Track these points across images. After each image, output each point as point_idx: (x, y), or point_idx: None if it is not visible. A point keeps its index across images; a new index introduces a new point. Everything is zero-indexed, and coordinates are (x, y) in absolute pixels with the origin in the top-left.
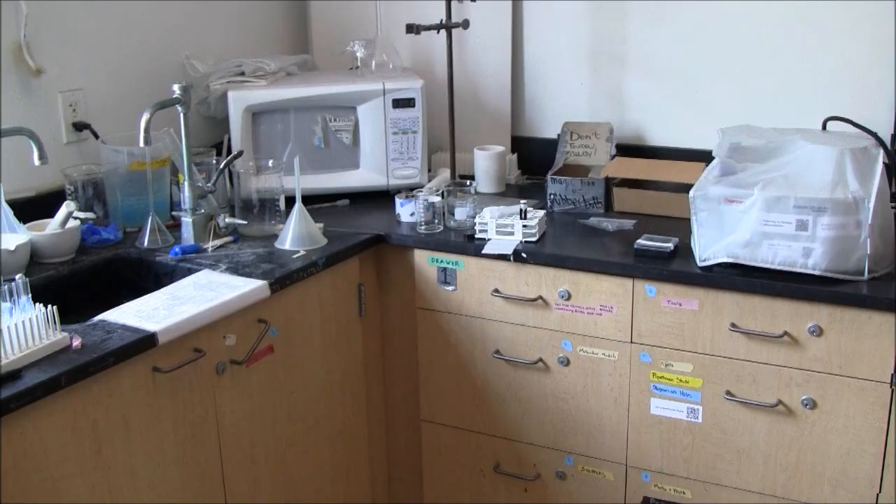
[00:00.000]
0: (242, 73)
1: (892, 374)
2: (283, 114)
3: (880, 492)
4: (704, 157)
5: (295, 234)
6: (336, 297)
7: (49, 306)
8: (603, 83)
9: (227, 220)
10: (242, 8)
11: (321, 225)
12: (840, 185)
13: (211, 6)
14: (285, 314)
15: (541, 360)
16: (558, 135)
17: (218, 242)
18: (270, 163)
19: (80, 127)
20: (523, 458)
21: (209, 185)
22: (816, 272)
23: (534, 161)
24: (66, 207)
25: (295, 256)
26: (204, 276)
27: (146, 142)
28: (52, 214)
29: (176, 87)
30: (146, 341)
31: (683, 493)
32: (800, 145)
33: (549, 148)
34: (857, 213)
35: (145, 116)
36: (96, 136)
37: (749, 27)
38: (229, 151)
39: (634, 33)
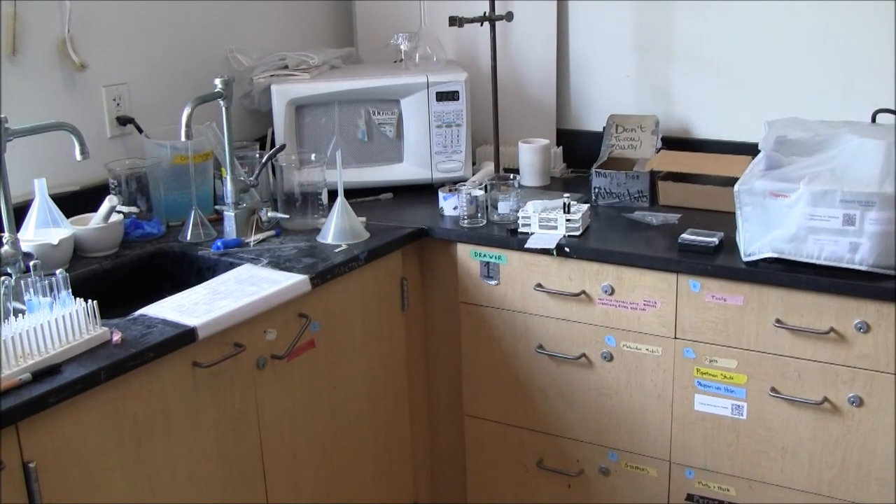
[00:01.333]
0: (286, 67)
1: None
2: (327, 107)
3: None
4: (751, 150)
5: (337, 228)
6: (378, 291)
7: (89, 301)
8: (648, 76)
9: (270, 214)
10: (287, 2)
11: (363, 219)
12: (888, 179)
13: (255, 1)
14: (326, 309)
15: (584, 355)
16: (603, 128)
17: (260, 236)
18: (313, 156)
19: (123, 121)
20: (566, 453)
21: (252, 178)
22: (863, 268)
23: (579, 154)
24: (110, 202)
25: (337, 251)
26: (245, 271)
27: (188, 136)
28: (95, 209)
29: (217, 81)
30: (186, 336)
31: (727, 490)
32: (847, 138)
33: (594, 141)
34: None
35: (186, 111)
36: (140, 131)
37: (796, 19)
38: (273, 145)
39: (680, 25)
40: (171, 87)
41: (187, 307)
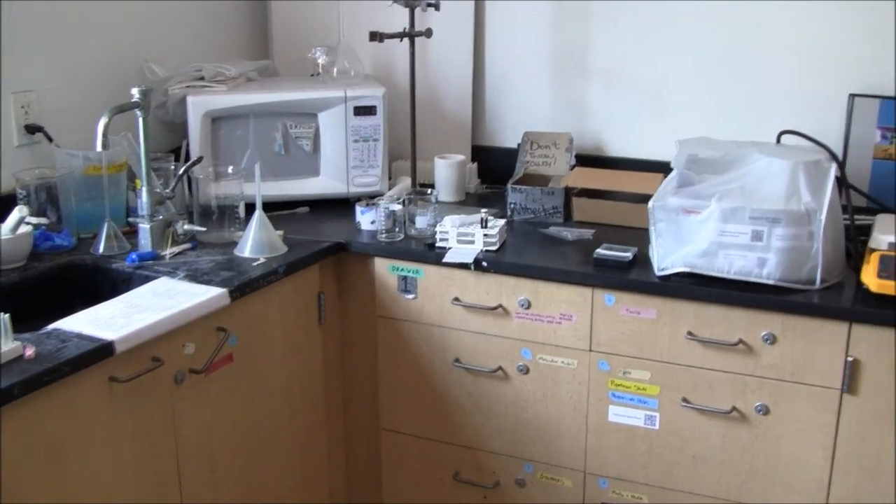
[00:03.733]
0: (202, 78)
1: (842, 381)
2: (243, 119)
3: (829, 495)
4: (663, 168)
5: (255, 242)
6: (296, 305)
7: (1, 314)
8: (564, 93)
9: (186, 226)
10: (204, 13)
11: (281, 232)
12: (794, 197)
13: (171, 10)
14: (245, 322)
15: (501, 368)
16: (518, 144)
17: (176, 249)
18: (230, 169)
19: (32, 129)
20: (483, 465)
21: (167, 191)
22: (770, 281)
23: (494, 170)
24: (18, 212)
25: (255, 264)
26: (162, 284)
27: (104, 146)
28: (2, 219)
29: (135, 91)
30: (103, 350)
31: (641, 498)
32: (755, 158)
33: (509, 157)
34: (810, 225)
35: (103, 120)
36: (50, 140)
37: (709, 41)
38: (188, 157)
39: (596, 44)
40: (83, 97)
41: (104, 321)
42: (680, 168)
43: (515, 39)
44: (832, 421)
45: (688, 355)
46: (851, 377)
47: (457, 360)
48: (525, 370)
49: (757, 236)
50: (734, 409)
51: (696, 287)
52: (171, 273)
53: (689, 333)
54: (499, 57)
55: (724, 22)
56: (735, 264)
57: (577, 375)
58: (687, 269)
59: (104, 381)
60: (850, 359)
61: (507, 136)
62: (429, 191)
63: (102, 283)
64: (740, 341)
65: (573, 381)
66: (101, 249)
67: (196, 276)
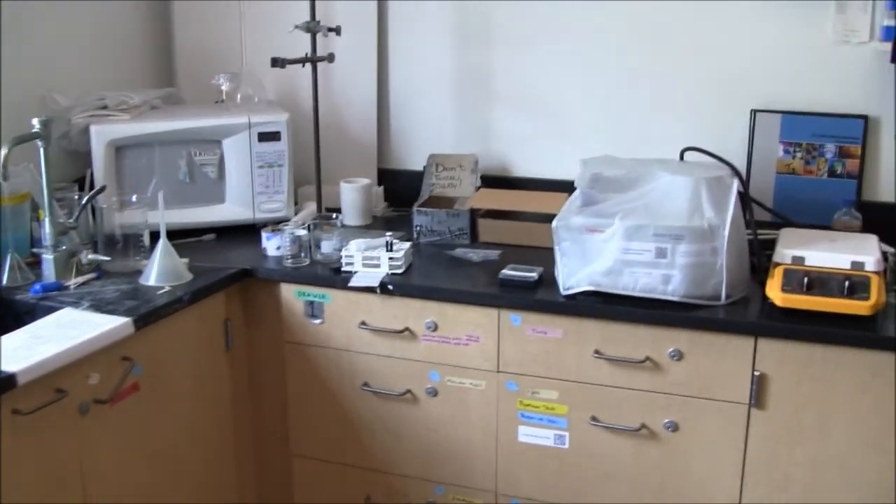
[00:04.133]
0: (105, 107)
1: (750, 395)
2: (148, 148)
3: None
4: (567, 187)
5: (160, 270)
6: (202, 332)
7: None
8: (468, 115)
9: (90, 256)
10: (106, 42)
11: (186, 260)
12: (696, 214)
13: (74, 39)
14: (151, 351)
15: (409, 391)
16: (424, 167)
17: (81, 279)
18: (134, 198)
19: None
20: (395, 489)
21: (71, 221)
22: (675, 298)
23: (400, 193)
24: None
25: (160, 292)
26: (66, 315)
27: (4, 177)
28: None
29: (36, 122)
30: (5, 383)
31: None
32: (658, 175)
33: (415, 180)
34: (714, 241)
35: (3, 151)
36: None
37: (611, 61)
38: (92, 186)
39: (499, 68)
40: None
41: (6, 353)
42: (583, 187)
43: (419, 63)
44: (741, 435)
45: (595, 374)
46: (759, 391)
47: (365, 384)
48: (434, 392)
49: (661, 253)
50: (643, 426)
51: (601, 305)
52: (76, 303)
53: (596, 352)
54: (403, 81)
55: (626, 42)
56: (640, 282)
57: (485, 396)
58: (592, 288)
59: (7, 415)
60: (756, 373)
61: (412, 159)
62: (334, 215)
63: (6, 315)
64: (647, 358)
65: (482, 403)
66: (4, 281)
67: (100, 306)
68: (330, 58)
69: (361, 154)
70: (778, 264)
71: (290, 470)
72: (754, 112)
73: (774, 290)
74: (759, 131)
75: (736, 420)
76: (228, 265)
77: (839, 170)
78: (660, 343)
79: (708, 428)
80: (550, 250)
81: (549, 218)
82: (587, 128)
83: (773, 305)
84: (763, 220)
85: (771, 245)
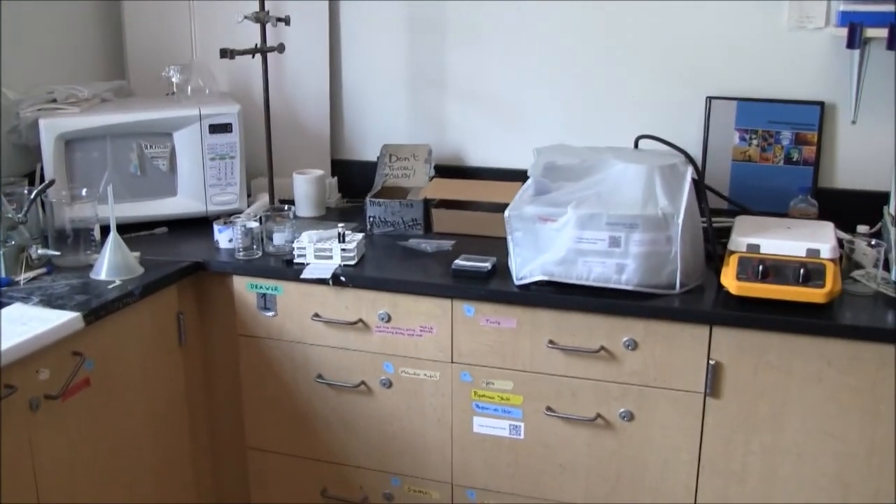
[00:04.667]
0: (55, 101)
1: (705, 384)
2: (98, 141)
3: (697, 498)
4: (521, 177)
5: (110, 264)
6: (155, 326)
7: None
8: (421, 105)
9: (40, 251)
10: (55, 35)
11: (138, 254)
12: (650, 202)
13: (23, 32)
14: (102, 346)
15: (363, 383)
16: (377, 157)
17: (30, 275)
18: (84, 191)
19: None
20: (350, 481)
21: (20, 215)
22: (630, 287)
23: (354, 184)
24: None
25: (110, 287)
26: (16, 310)
27: None
28: None
29: None
30: None
31: None
32: (612, 163)
33: (368, 170)
34: (668, 229)
35: None
36: None
37: (563, 49)
38: (42, 181)
39: (451, 59)
40: None
41: None
42: (536, 176)
43: (371, 54)
44: (696, 425)
45: (550, 364)
46: (714, 380)
47: (319, 377)
48: (388, 384)
49: (615, 242)
50: (598, 416)
51: (555, 295)
52: (25, 298)
53: (551, 342)
54: (355, 71)
55: (578, 30)
56: (594, 271)
57: (439, 388)
58: (546, 278)
59: None
60: (712, 362)
61: (366, 150)
62: (287, 207)
63: None
64: (602, 348)
65: (436, 394)
66: None
67: (50, 301)
68: (280, 48)
69: (315, 145)
70: (733, 252)
71: (246, 463)
72: (710, 99)
73: (729, 279)
74: (714, 118)
75: (691, 409)
76: (180, 258)
77: (795, 157)
78: (614, 333)
79: (663, 417)
80: (504, 240)
81: (502, 207)
82: (541, 117)
83: (728, 294)
84: (719, 209)
85: (727, 233)
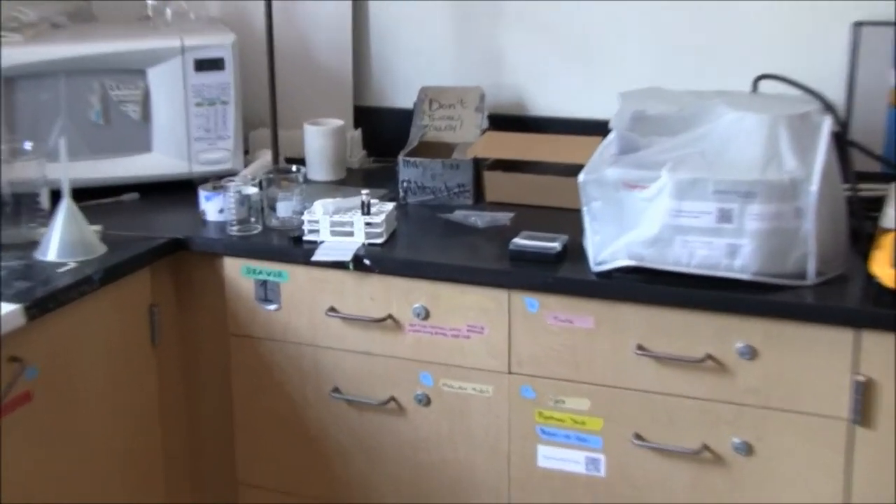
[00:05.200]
0: None
1: (851, 408)
2: (49, 79)
3: None
4: (600, 129)
5: (62, 242)
6: (120, 322)
7: None
8: (472, 39)
9: None
10: None
11: (99, 227)
12: (774, 164)
13: None
14: (49, 349)
15: (393, 398)
16: (414, 104)
17: None
18: (29, 145)
19: None
20: None
21: None
22: (746, 276)
23: (384, 138)
24: None
25: (61, 270)
26: None
27: None
28: None
29: None
30: None
31: None
32: (722, 112)
33: (402, 121)
34: (796, 199)
35: None
36: None
37: None
38: None
39: None
40: None
41: None
42: (621, 129)
43: None
44: (839, 462)
45: (639, 377)
46: (863, 403)
47: (335, 390)
48: (425, 400)
49: (725, 217)
50: (705, 447)
51: (645, 286)
52: None
53: (640, 347)
54: None
55: None
56: (697, 254)
57: (493, 406)
58: (633, 263)
59: None
60: (859, 378)
61: (399, 95)
62: (295, 168)
63: None
64: (708, 356)
65: (489, 414)
66: None
67: None
68: None
69: (333, 88)
70: (887, 231)
71: (237, 503)
72: (857, 25)
73: (882, 266)
74: (863, 52)
75: (832, 442)
76: (155, 234)
77: None
78: (725, 336)
79: (793, 451)
80: (578, 213)
81: (575, 170)
82: (627, 52)
83: (880, 287)
84: (869, 172)
85: (879, 205)
